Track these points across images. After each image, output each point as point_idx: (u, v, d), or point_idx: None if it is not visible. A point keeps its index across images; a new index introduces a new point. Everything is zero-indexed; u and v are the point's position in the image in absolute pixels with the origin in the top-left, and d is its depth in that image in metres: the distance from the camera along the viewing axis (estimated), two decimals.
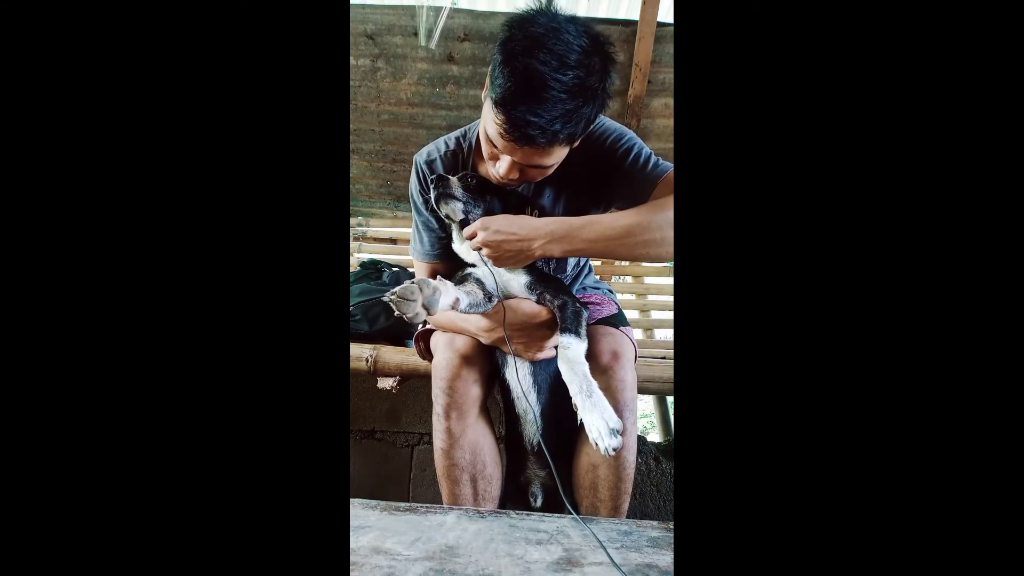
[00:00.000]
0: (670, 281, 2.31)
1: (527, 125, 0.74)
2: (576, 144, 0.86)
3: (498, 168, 0.84)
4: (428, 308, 0.76)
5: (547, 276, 0.94)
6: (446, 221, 0.95)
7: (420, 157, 1.04)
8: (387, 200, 2.40)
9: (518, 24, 0.75)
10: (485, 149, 0.86)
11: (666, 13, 1.87)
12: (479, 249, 0.86)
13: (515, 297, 0.91)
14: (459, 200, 0.88)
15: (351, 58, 2.01)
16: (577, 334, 0.82)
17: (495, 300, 0.89)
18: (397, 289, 0.74)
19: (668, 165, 0.91)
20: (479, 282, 0.91)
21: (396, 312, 0.73)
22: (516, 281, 0.92)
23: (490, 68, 0.78)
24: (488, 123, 0.81)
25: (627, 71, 1.95)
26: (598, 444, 0.71)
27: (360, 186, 2.35)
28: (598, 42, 0.77)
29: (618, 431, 0.71)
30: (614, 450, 0.70)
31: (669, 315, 2.16)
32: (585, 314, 0.87)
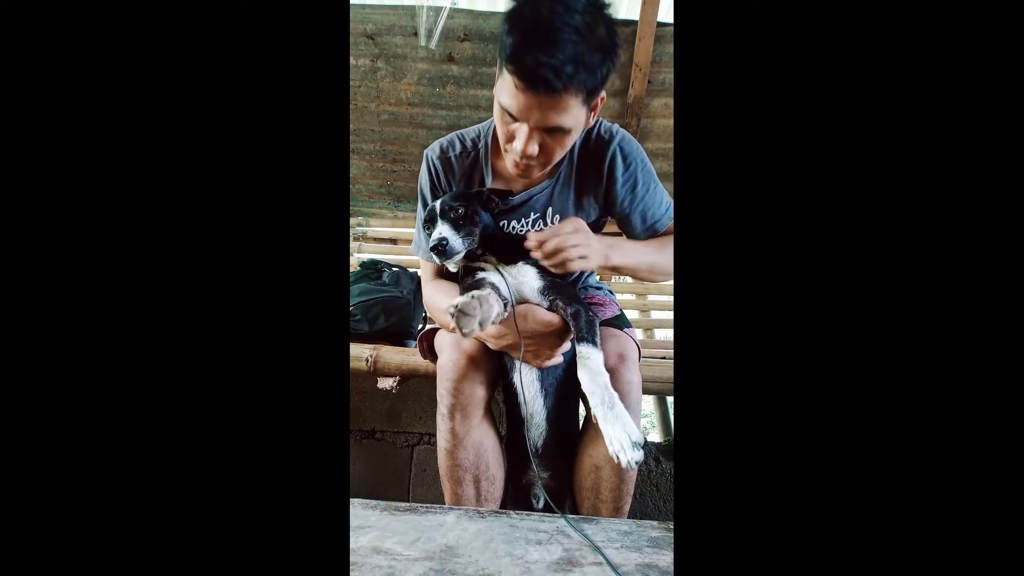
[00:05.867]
0: (670, 281, 2.30)
1: (540, 66, 0.74)
2: (592, 122, 0.89)
3: (516, 146, 0.83)
4: (483, 324, 0.75)
5: (559, 282, 0.93)
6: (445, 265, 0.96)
7: (432, 153, 1.02)
8: (387, 200, 2.40)
9: None
10: (501, 130, 0.86)
11: (666, 13, 1.87)
12: (557, 252, 0.83)
13: (527, 303, 0.90)
14: (461, 252, 0.88)
15: (351, 58, 2.01)
16: (594, 343, 0.80)
17: (509, 307, 0.88)
18: (458, 303, 0.73)
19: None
20: (495, 287, 0.89)
21: (453, 326, 0.74)
22: (529, 286, 0.90)
23: (500, 43, 0.79)
24: (503, 94, 0.81)
25: (627, 71, 1.94)
26: (619, 457, 0.69)
27: (360, 186, 2.35)
28: (600, 2, 0.79)
29: (640, 444, 0.70)
30: (636, 463, 0.69)
31: (669, 315, 2.16)
32: (598, 322, 0.86)
